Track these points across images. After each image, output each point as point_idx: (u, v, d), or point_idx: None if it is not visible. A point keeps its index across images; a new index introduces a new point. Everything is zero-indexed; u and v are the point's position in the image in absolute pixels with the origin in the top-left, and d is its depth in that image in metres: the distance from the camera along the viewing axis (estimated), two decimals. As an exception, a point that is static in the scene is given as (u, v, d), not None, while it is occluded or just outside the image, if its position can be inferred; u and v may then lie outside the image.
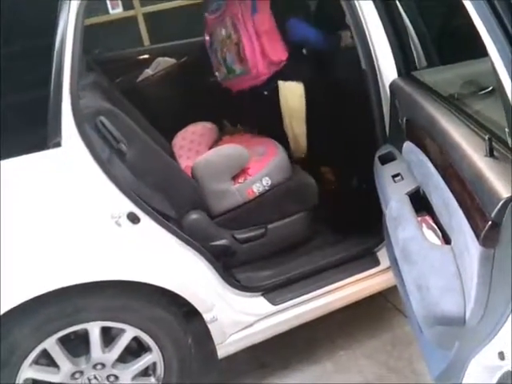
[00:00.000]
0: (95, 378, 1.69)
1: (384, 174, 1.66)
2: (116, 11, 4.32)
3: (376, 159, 1.78)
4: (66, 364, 1.64)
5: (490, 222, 1.02)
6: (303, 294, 1.91)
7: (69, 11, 1.43)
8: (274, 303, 1.88)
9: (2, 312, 1.45)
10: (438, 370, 1.45)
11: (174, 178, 1.85)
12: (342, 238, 2.14)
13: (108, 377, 1.71)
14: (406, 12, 1.80)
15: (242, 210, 1.97)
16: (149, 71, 2.75)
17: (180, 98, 2.51)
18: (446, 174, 1.28)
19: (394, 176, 1.60)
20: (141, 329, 1.68)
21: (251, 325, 1.86)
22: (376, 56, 1.77)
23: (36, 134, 1.46)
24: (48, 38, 1.43)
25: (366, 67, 1.79)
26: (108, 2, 4.28)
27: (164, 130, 2.33)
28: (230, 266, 1.94)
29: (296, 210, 2.05)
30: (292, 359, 2.12)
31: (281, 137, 2.23)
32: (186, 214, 1.87)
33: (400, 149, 1.66)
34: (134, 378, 1.75)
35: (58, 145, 1.45)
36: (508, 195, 1.00)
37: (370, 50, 1.77)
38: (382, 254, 1.98)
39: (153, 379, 1.79)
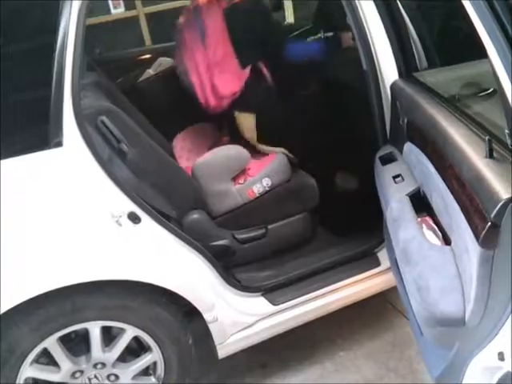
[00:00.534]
0: (95, 377, 1.70)
1: (385, 174, 1.66)
2: (118, 11, 4.33)
3: (377, 160, 1.78)
4: (66, 363, 1.64)
5: (489, 223, 1.03)
6: (303, 295, 1.91)
7: (70, 11, 1.43)
8: (274, 303, 1.88)
9: (3, 311, 1.46)
10: (437, 371, 1.45)
11: (175, 177, 1.85)
12: (342, 239, 2.14)
13: (108, 376, 1.72)
14: (407, 13, 1.80)
15: (242, 211, 1.97)
16: (150, 71, 2.74)
17: (181, 99, 2.50)
18: (446, 174, 1.29)
19: (394, 177, 1.60)
20: (141, 328, 1.68)
21: (251, 325, 1.86)
22: (377, 57, 1.76)
23: (37, 133, 1.46)
24: (49, 38, 1.43)
25: (366, 68, 1.79)
26: (110, 2, 4.29)
27: (165, 130, 2.33)
28: (231, 266, 1.94)
29: (296, 211, 2.05)
30: (292, 359, 2.12)
31: None
32: (186, 214, 1.88)
33: (401, 150, 1.66)
34: (135, 377, 1.76)
35: (59, 144, 1.45)
36: (507, 196, 1.00)
37: (371, 51, 1.77)
38: (383, 255, 1.98)
39: (153, 379, 1.79)
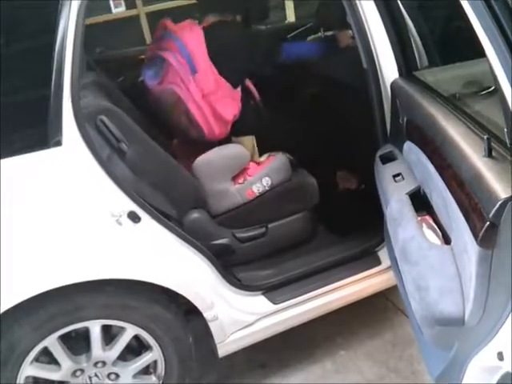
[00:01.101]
0: (96, 375, 1.70)
1: (385, 173, 1.66)
2: (118, 10, 4.33)
3: (377, 159, 1.78)
4: (66, 362, 1.64)
5: (487, 223, 1.02)
6: (304, 294, 1.91)
7: (70, 11, 1.43)
8: (274, 302, 1.88)
9: (3, 310, 1.46)
10: (437, 371, 1.45)
11: (175, 176, 1.85)
12: (342, 238, 2.14)
13: (109, 375, 1.72)
14: (407, 11, 1.80)
15: (242, 210, 1.97)
16: (151, 70, 2.74)
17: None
18: (446, 174, 1.28)
19: (394, 176, 1.60)
20: (141, 327, 1.68)
21: (251, 324, 1.86)
22: (377, 55, 1.76)
23: (37, 132, 1.46)
24: (49, 37, 1.43)
25: (367, 67, 1.78)
26: (111, 1, 4.30)
27: (165, 129, 2.32)
28: (231, 265, 1.94)
29: (297, 210, 2.05)
30: (292, 359, 2.12)
31: None
32: (186, 213, 1.87)
33: (401, 149, 1.66)
34: (135, 376, 1.76)
35: (59, 144, 1.45)
36: (506, 196, 0.99)
37: (371, 50, 1.76)
38: (383, 254, 1.98)
39: (153, 377, 1.80)
